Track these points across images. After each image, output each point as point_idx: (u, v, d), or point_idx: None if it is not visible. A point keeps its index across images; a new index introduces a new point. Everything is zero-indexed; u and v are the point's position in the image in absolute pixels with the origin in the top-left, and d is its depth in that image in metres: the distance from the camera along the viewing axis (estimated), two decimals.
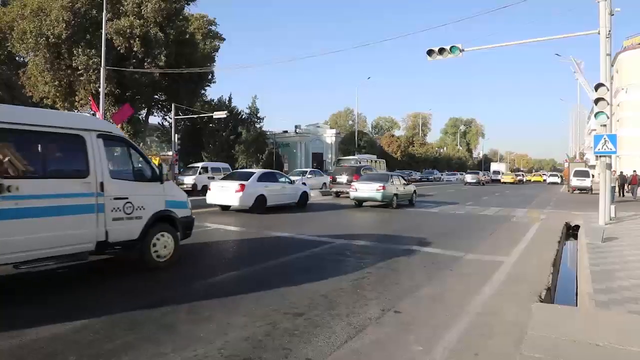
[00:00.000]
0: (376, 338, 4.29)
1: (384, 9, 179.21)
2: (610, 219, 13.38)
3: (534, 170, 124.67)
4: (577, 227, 13.21)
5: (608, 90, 12.51)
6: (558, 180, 58.70)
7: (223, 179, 17.26)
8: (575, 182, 35.61)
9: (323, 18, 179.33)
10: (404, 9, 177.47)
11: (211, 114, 39.31)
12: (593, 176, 36.75)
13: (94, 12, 29.10)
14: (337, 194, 24.41)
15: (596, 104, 12.52)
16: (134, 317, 4.73)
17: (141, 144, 38.22)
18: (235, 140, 51.20)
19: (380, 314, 4.99)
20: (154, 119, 45.64)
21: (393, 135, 77.00)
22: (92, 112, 35.01)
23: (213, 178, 22.70)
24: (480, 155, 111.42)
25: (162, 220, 7.15)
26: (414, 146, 76.05)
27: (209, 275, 6.67)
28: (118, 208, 6.35)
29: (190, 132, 49.54)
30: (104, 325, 4.47)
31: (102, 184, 6.10)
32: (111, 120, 29.53)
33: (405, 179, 22.23)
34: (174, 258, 7.23)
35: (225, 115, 39.94)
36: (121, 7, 30.81)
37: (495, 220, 15.09)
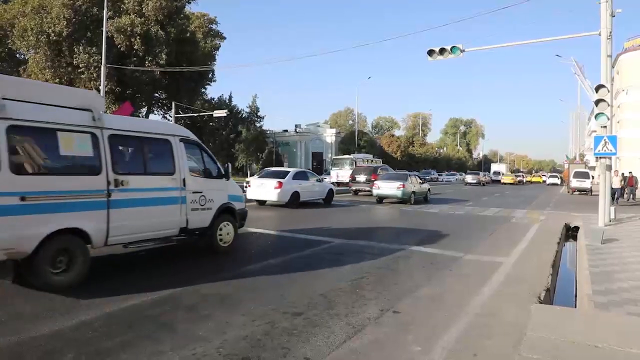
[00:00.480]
0: (375, 338, 4.29)
1: (384, 9, 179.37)
2: (610, 221, 13.38)
3: (533, 171, 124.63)
4: (577, 228, 13.21)
5: (609, 91, 12.49)
6: (558, 181, 58.77)
7: (261, 176, 18.58)
8: (575, 183, 35.60)
9: (323, 17, 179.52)
10: (405, 9, 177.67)
11: (211, 113, 39.33)
12: (593, 177, 36.78)
13: (95, 10, 29.11)
14: (356, 192, 26.18)
15: (596, 105, 12.51)
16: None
17: None
18: (235, 139, 51.22)
19: (379, 314, 4.99)
20: (155, 117, 45.62)
21: (393, 135, 76.99)
22: None
23: None
24: (480, 155, 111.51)
25: (226, 211, 8.40)
26: (414, 146, 76.08)
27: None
28: (195, 200, 7.62)
29: (190, 131, 49.53)
30: (103, 322, 4.47)
31: (184, 180, 7.40)
32: None
33: (420, 178, 24.38)
34: (233, 244, 8.53)
35: (225, 114, 39.96)
36: (122, 5, 30.81)
37: (495, 220, 15.09)
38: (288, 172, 18.05)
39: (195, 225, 7.69)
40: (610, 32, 12.89)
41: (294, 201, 17.23)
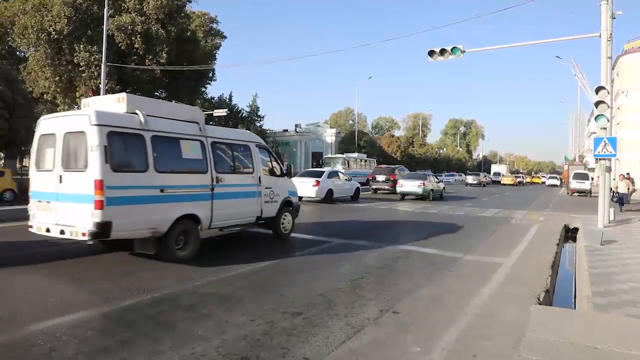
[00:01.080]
0: (374, 338, 4.29)
1: (384, 9, 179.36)
2: (609, 222, 13.38)
3: (533, 173, 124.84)
4: (576, 229, 13.21)
5: (609, 93, 12.51)
6: (557, 182, 58.92)
7: (300, 176, 20.80)
8: (574, 184, 35.61)
9: (324, 17, 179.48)
10: (405, 9, 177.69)
11: (211, 112, 39.27)
12: (592, 179, 36.79)
13: (96, 8, 29.05)
14: (375, 191, 28.41)
15: (597, 107, 12.52)
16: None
17: None
18: None
19: (378, 314, 4.99)
20: None
21: (393, 136, 76.89)
22: None
23: None
24: (480, 156, 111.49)
25: (286, 204, 10.03)
26: (413, 146, 75.99)
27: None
28: (267, 194, 9.33)
29: None
30: (102, 321, 4.47)
31: (259, 178, 9.13)
32: None
33: (437, 178, 27.52)
34: (291, 231, 10.22)
35: (225, 114, 39.95)
36: (123, 4, 30.75)
37: (495, 221, 15.10)
38: (323, 172, 20.79)
39: (267, 215, 9.35)
40: (611, 34, 12.90)
41: (329, 197, 19.85)
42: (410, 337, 4.34)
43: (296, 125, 67.30)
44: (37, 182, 7.25)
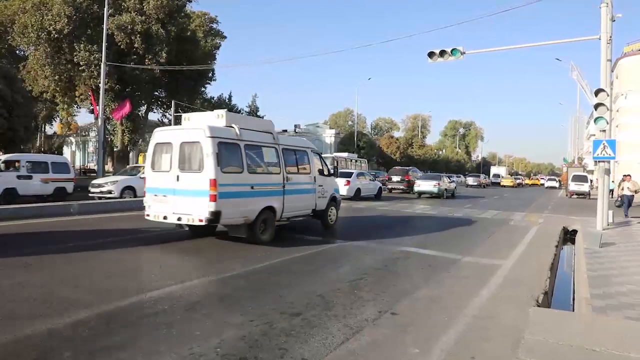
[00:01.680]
0: (373, 339, 4.28)
1: (385, 10, 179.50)
2: (608, 224, 13.40)
3: (532, 174, 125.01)
4: (575, 231, 13.23)
5: (608, 95, 12.52)
6: (556, 184, 59.03)
7: None
8: (573, 186, 35.64)
9: (324, 18, 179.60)
10: (405, 10, 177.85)
11: (211, 112, 39.21)
12: (591, 181, 36.82)
13: (96, 7, 29.04)
14: (391, 190, 31.31)
15: (596, 109, 12.53)
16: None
17: (140, 140, 38.16)
18: None
19: (377, 315, 4.98)
20: (154, 116, 45.50)
21: (392, 137, 76.90)
22: (91, 107, 34.96)
23: None
24: (479, 158, 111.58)
25: (332, 199, 12.07)
26: (413, 148, 76.01)
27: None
28: (319, 191, 11.42)
29: None
30: (100, 321, 4.46)
31: (315, 177, 11.23)
32: (110, 116, 29.52)
33: (449, 179, 31.37)
34: (336, 223, 12.37)
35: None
36: (123, 3, 30.73)
37: (494, 223, 15.09)
38: (352, 172, 23.33)
39: (319, 208, 11.43)
40: (610, 37, 12.92)
41: (357, 195, 22.00)
42: (409, 339, 4.34)
43: (295, 126, 67.34)
44: (153, 180, 9.12)
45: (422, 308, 5.40)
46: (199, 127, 8.54)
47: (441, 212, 18.40)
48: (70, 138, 71.73)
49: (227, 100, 51.73)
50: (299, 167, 10.77)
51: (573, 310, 5.92)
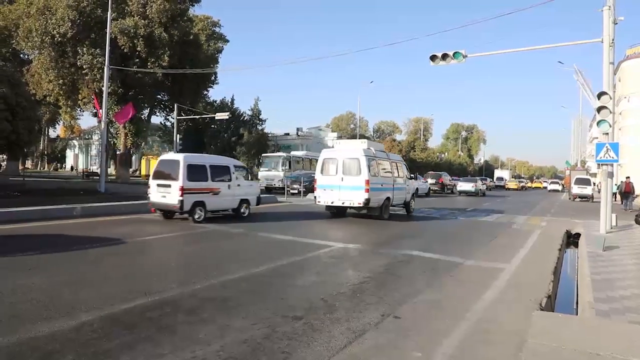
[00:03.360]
0: (375, 343, 4.27)
1: (387, 14, 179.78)
2: (612, 228, 13.34)
3: (534, 178, 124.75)
4: (578, 235, 13.17)
5: (611, 98, 12.49)
6: (559, 187, 58.95)
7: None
8: (576, 189, 35.55)
9: (326, 21, 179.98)
10: (408, 13, 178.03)
11: (213, 115, 39.30)
12: (594, 184, 36.73)
13: (99, 11, 29.21)
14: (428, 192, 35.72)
15: (599, 112, 12.50)
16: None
17: (143, 144, 38.23)
18: (237, 141, 51.18)
19: (380, 319, 4.97)
20: (157, 119, 45.66)
21: (394, 140, 76.93)
22: (94, 110, 35.03)
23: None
24: (482, 161, 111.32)
25: (413, 195, 18.28)
26: (415, 151, 75.98)
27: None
28: (407, 189, 17.43)
29: (192, 133, 49.52)
30: (102, 323, 4.46)
31: (405, 180, 17.24)
32: (113, 119, 29.61)
33: (482, 181, 43.02)
34: (413, 211, 18.24)
35: (227, 117, 39.96)
36: (126, 7, 30.90)
37: (496, 226, 15.06)
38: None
39: (407, 200, 17.50)
40: (613, 40, 12.89)
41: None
42: (412, 343, 4.33)
43: (298, 129, 67.39)
44: (322, 180, 15.13)
45: (424, 312, 5.38)
46: (357, 149, 15.03)
47: (443, 215, 18.38)
48: (73, 141, 71.97)
49: (229, 104, 51.83)
50: (399, 173, 16.95)
51: (576, 314, 5.89)
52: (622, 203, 25.56)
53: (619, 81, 46.89)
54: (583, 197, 34.95)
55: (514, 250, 10.05)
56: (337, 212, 15.68)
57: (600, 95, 12.54)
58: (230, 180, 13.77)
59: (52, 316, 4.62)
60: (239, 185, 14.17)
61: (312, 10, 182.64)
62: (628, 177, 26.17)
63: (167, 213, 13.24)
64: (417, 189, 26.51)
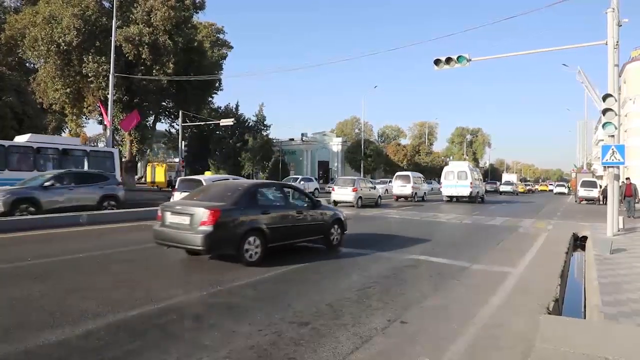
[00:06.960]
0: (382, 349, 4.26)
1: (390, 18, 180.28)
2: (618, 230, 13.25)
3: (540, 181, 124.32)
4: (585, 238, 13.08)
5: (616, 100, 12.44)
6: (565, 190, 58.63)
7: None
8: (582, 192, 35.35)
9: (329, 27, 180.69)
10: (412, 18, 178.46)
11: (218, 122, 39.49)
12: (600, 187, 36.48)
13: (104, 19, 29.48)
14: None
15: (604, 115, 12.45)
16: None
17: (148, 151, 38.41)
18: (242, 147, 51.32)
19: (386, 324, 4.96)
20: (162, 126, 45.97)
21: (399, 144, 76.84)
22: (99, 118, 35.25)
23: None
24: (487, 165, 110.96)
25: (484, 192, 35.64)
26: (420, 155, 75.86)
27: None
28: (482, 187, 34.16)
29: (197, 139, 49.75)
30: (109, 331, 4.48)
31: (479, 183, 32.39)
32: (119, 127, 29.80)
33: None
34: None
35: (232, 123, 40.11)
36: (131, 15, 31.17)
37: (503, 230, 14.98)
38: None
39: (482, 194, 32.77)
40: (617, 42, 12.87)
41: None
42: (418, 348, 4.31)
43: (302, 135, 67.57)
44: (446, 182, 30.12)
45: (431, 316, 5.36)
46: (464, 165, 30.76)
47: (449, 219, 18.31)
48: None
49: (234, 110, 52.01)
50: (477, 177, 28.49)
51: (584, 318, 5.85)
52: (625, 209, 24.07)
53: (624, 83, 46.69)
54: (589, 200, 34.75)
55: (521, 253, 9.99)
56: (455, 200, 30.20)
57: (605, 97, 12.49)
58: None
59: (59, 324, 4.64)
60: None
61: (315, 15, 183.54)
62: (628, 179, 23.77)
63: None
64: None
